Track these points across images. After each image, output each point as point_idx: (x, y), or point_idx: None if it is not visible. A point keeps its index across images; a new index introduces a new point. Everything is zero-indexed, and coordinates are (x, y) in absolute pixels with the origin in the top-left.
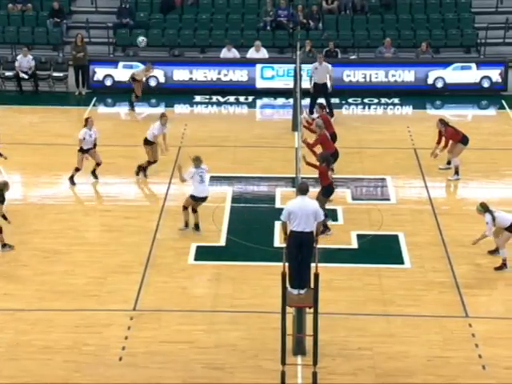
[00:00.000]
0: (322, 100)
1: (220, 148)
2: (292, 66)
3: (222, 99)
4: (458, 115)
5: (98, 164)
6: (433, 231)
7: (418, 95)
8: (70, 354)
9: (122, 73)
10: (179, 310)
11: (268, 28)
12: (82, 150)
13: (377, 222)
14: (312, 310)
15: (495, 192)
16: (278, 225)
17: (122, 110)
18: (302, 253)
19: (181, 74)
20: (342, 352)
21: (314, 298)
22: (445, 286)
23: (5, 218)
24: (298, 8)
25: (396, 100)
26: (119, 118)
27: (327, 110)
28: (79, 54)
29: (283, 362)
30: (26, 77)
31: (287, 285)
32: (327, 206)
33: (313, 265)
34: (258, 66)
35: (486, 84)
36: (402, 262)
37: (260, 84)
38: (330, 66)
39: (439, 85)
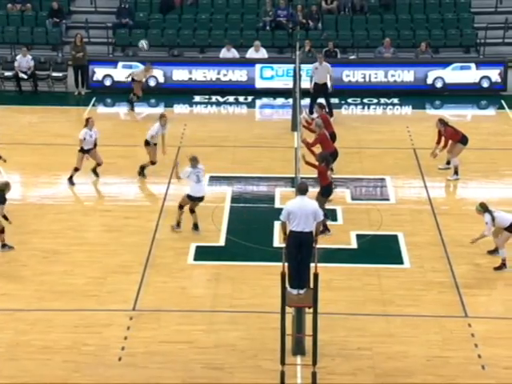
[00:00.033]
0: (321, 100)
1: (219, 148)
2: (291, 66)
3: (221, 99)
4: (458, 115)
5: (98, 164)
6: (432, 231)
7: (418, 95)
8: (70, 354)
9: (121, 73)
10: (179, 310)
11: (267, 28)
12: (82, 150)
13: (376, 222)
14: (311, 310)
15: (494, 192)
16: (277, 225)
17: (122, 110)
18: (301, 253)
19: (180, 74)
20: (341, 352)
21: (313, 297)
22: (444, 285)
23: (6, 218)
24: (297, 8)
25: (395, 100)
26: (118, 117)
27: (326, 110)
28: (78, 54)
29: (282, 362)
30: (26, 77)
31: (287, 285)
32: (327, 206)
33: (312, 265)
34: (258, 66)
35: (485, 84)
36: (401, 262)
37: (259, 84)
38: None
39: (438, 85)
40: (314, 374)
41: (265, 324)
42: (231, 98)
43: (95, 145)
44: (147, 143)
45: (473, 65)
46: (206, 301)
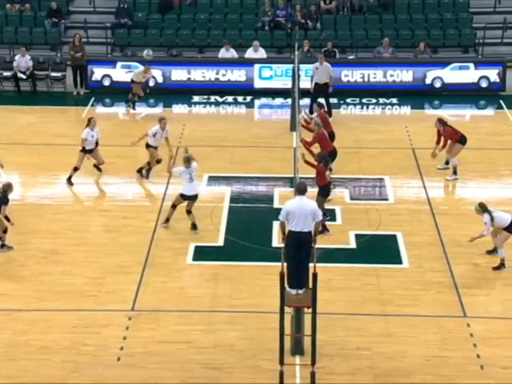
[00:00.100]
0: (321, 100)
1: (218, 148)
2: (290, 66)
3: (220, 99)
4: (456, 115)
5: (100, 164)
6: (431, 231)
7: (416, 95)
8: (69, 354)
9: (120, 73)
10: (177, 310)
11: (266, 28)
12: (84, 150)
13: (375, 222)
14: (310, 310)
15: (493, 192)
16: (276, 225)
17: (120, 109)
18: (300, 253)
19: (179, 74)
20: (340, 352)
21: (312, 297)
22: (443, 285)
23: (7, 219)
24: (296, 8)
25: (394, 100)
26: (117, 117)
27: (325, 109)
28: (77, 54)
29: (281, 362)
30: (24, 77)
31: (285, 285)
32: (326, 206)
33: (311, 265)
34: (256, 66)
35: (484, 84)
36: (400, 262)
37: (258, 84)
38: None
39: (437, 85)
40: (312, 374)
41: (264, 324)
42: (230, 98)
43: (97, 144)
44: (148, 145)
45: (471, 65)
46: (205, 301)
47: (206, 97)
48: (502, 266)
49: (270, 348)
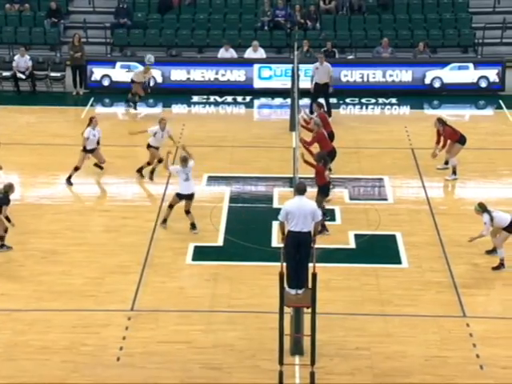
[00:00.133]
0: (321, 100)
1: (217, 148)
2: (290, 66)
3: (219, 99)
4: (456, 115)
5: (101, 163)
6: (430, 231)
7: (416, 95)
8: (68, 354)
9: (119, 73)
10: (177, 310)
11: (266, 28)
12: (85, 150)
13: (374, 222)
14: (310, 310)
15: (493, 192)
16: (275, 225)
17: (120, 110)
18: (299, 253)
19: (178, 74)
20: (339, 352)
21: (311, 297)
22: (442, 285)
23: (8, 219)
24: (295, 8)
25: (393, 100)
26: (117, 118)
27: (325, 109)
28: (77, 54)
29: (281, 362)
30: (24, 77)
31: (285, 285)
32: (326, 206)
33: (310, 265)
34: (256, 66)
35: (483, 84)
36: (399, 262)
37: (258, 84)
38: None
39: (437, 85)
40: (312, 374)
41: (263, 324)
42: (229, 98)
43: (98, 143)
44: (149, 146)
45: (471, 65)
46: (205, 301)
47: (205, 97)
48: (501, 265)
49: (270, 348)
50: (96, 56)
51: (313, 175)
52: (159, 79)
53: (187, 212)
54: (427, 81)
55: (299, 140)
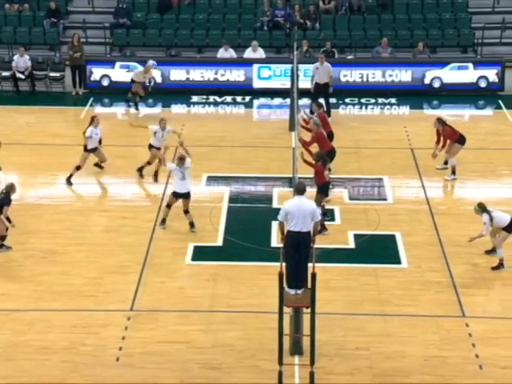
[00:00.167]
0: (321, 100)
1: (217, 148)
2: (289, 66)
3: (219, 99)
4: (455, 115)
5: (101, 162)
6: (430, 231)
7: (415, 95)
8: (68, 354)
9: (118, 73)
10: (176, 310)
11: (265, 28)
12: (87, 150)
13: (374, 222)
14: (309, 310)
15: (492, 192)
16: (275, 225)
17: (119, 110)
18: (299, 253)
19: (178, 74)
20: (339, 352)
21: (311, 297)
22: (442, 285)
23: (9, 220)
24: (294, 8)
25: (393, 100)
26: (116, 118)
27: (324, 109)
28: (76, 54)
29: (280, 362)
30: (23, 77)
31: (284, 285)
32: (326, 206)
33: (310, 265)
34: (255, 66)
35: (482, 84)
36: (398, 262)
37: (257, 84)
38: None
39: (436, 85)
40: (311, 374)
41: (262, 324)
42: (229, 98)
43: (100, 142)
44: (151, 146)
45: (470, 65)
46: (204, 301)
47: (204, 97)
48: (500, 265)
49: (269, 348)
50: (95, 56)
51: (312, 175)
52: (159, 79)
53: (186, 212)
54: (427, 81)
55: (298, 140)
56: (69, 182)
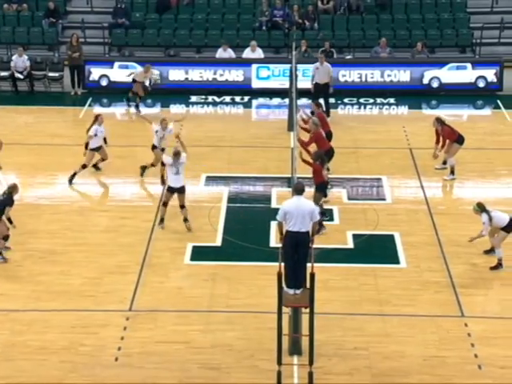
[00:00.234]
0: (321, 100)
1: (216, 148)
2: (288, 66)
3: (217, 99)
4: (454, 115)
5: (103, 159)
6: (428, 231)
7: (414, 95)
8: (66, 354)
9: (117, 73)
10: (175, 310)
11: (264, 28)
12: (91, 149)
13: (372, 222)
14: (308, 310)
15: (491, 192)
16: (273, 225)
17: (118, 110)
18: (297, 253)
19: (176, 74)
20: (337, 352)
21: (309, 297)
22: (440, 285)
23: (10, 221)
24: (293, 8)
25: (392, 100)
26: (115, 118)
27: (323, 109)
28: (75, 54)
29: (279, 362)
30: (22, 77)
31: (283, 285)
32: (325, 206)
33: (309, 265)
34: (254, 66)
35: (481, 84)
36: (397, 262)
37: (256, 84)
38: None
39: (435, 85)
40: (310, 374)
41: (261, 324)
42: (227, 98)
43: (105, 141)
44: (154, 147)
45: (469, 65)
46: (203, 301)
47: (203, 97)
48: (499, 265)
49: (268, 348)
50: (94, 56)
51: (311, 175)
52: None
53: (182, 206)
54: (425, 81)
55: (297, 140)
56: (70, 181)
